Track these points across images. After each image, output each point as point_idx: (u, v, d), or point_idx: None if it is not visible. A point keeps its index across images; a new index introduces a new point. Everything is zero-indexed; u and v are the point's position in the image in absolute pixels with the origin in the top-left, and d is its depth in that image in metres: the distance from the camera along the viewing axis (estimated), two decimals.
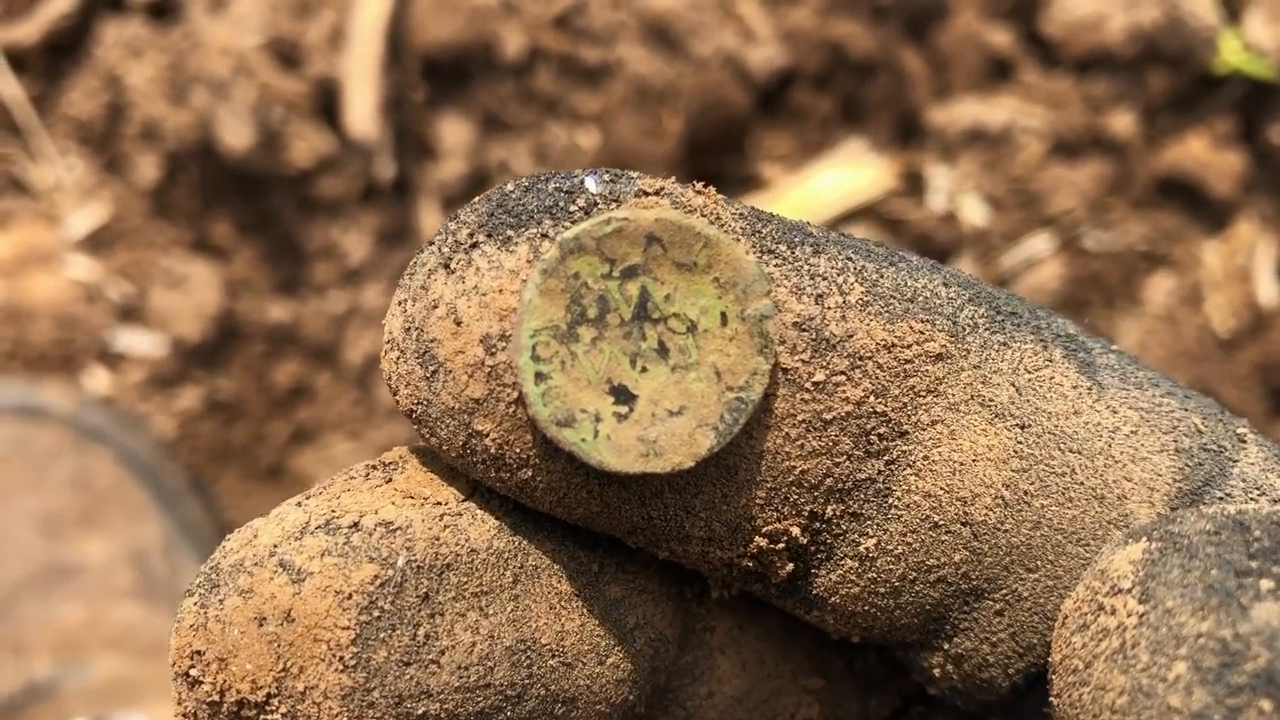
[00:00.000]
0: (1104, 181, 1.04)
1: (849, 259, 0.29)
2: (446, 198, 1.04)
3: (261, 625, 0.28)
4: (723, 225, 0.28)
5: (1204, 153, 1.03)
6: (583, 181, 0.28)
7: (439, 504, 0.29)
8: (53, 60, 1.04)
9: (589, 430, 0.27)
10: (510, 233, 0.28)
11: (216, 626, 0.28)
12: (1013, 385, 0.30)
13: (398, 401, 0.29)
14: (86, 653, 0.87)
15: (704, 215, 0.28)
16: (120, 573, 0.91)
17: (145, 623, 0.90)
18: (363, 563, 0.28)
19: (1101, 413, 0.30)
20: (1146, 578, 0.26)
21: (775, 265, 0.28)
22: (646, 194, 0.28)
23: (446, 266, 0.28)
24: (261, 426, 1.03)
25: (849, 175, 1.04)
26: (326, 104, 1.01)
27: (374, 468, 0.31)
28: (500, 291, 0.27)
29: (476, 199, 0.29)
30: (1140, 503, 0.30)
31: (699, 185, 0.29)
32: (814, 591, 0.30)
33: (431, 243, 0.29)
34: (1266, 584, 0.24)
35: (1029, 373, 0.30)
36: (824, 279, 0.29)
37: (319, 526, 0.28)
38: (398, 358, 0.29)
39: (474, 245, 0.28)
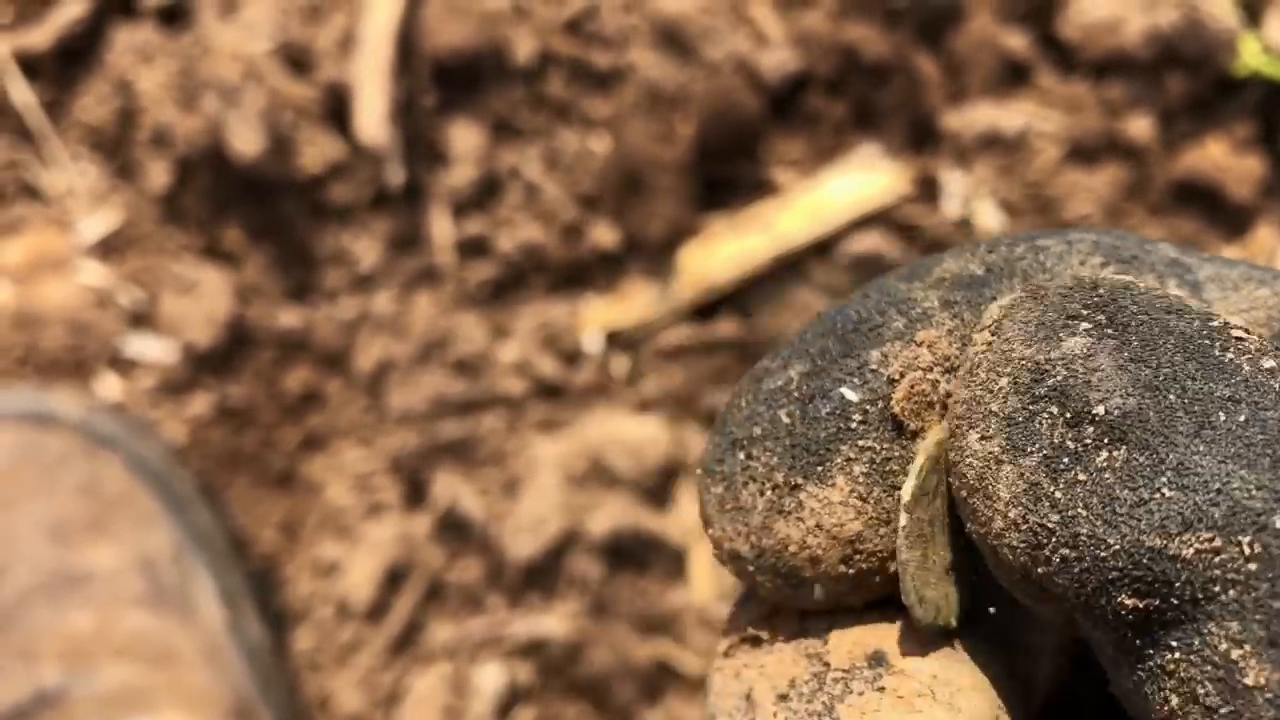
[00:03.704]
0: (1121, 186, 1.03)
1: (1012, 291, 0.35)
2: (457, 203, 1.03)
3: None
4: (949, 358, 0.34)
5: (1223, 157, 1.02)
6: (843, 396, 0.34)
7: (929, 690, 0.35)
8: (64, 66, 1.04)
9: (950, 612, 0.35)
10: (820, 468, 0.33)
11: None
12: None
13: (759, 590, 0.36)
14: (96, 660, 0.87)
15: (937, 365, 0.34)
16: (130, 580, 0.91)
17: (155, 630, 0.89)
18: None
19: None
20: (1003, 318, 0.32)
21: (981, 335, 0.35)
22: (894, 381, 0.34)
23: (781, 511, 0.34)
24: (272, 433, 1.02)
25: (862, 181, 1.04)
26: (337, 109, 1.01)
27: (846, 680, 0.35)
28: (842, 524, 0.34)
29: (756, 434, 0.34)
30: None
31: (918, 336, 0.34)
32: None
33: (745, 482, 0.35)
34: (1085, 325, 0.31)
35: None
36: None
37: None
38: (754, 571, 0.35)
39: (795, 487, 0.34)
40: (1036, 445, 0.30)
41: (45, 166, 1.04)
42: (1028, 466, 0.30)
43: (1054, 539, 0.30)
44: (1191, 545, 0.28)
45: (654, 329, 1.03)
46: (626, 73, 1.03)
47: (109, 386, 1.01)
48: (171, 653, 0.89)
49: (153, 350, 1.01)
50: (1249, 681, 0.28)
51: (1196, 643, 0.28)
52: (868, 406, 0.33)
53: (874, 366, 0.34)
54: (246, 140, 0.98)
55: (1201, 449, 0.29)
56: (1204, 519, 0.28)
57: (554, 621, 0.99)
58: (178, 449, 1.00)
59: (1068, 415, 0.30)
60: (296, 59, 1.01)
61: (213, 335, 1.00)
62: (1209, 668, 0.28)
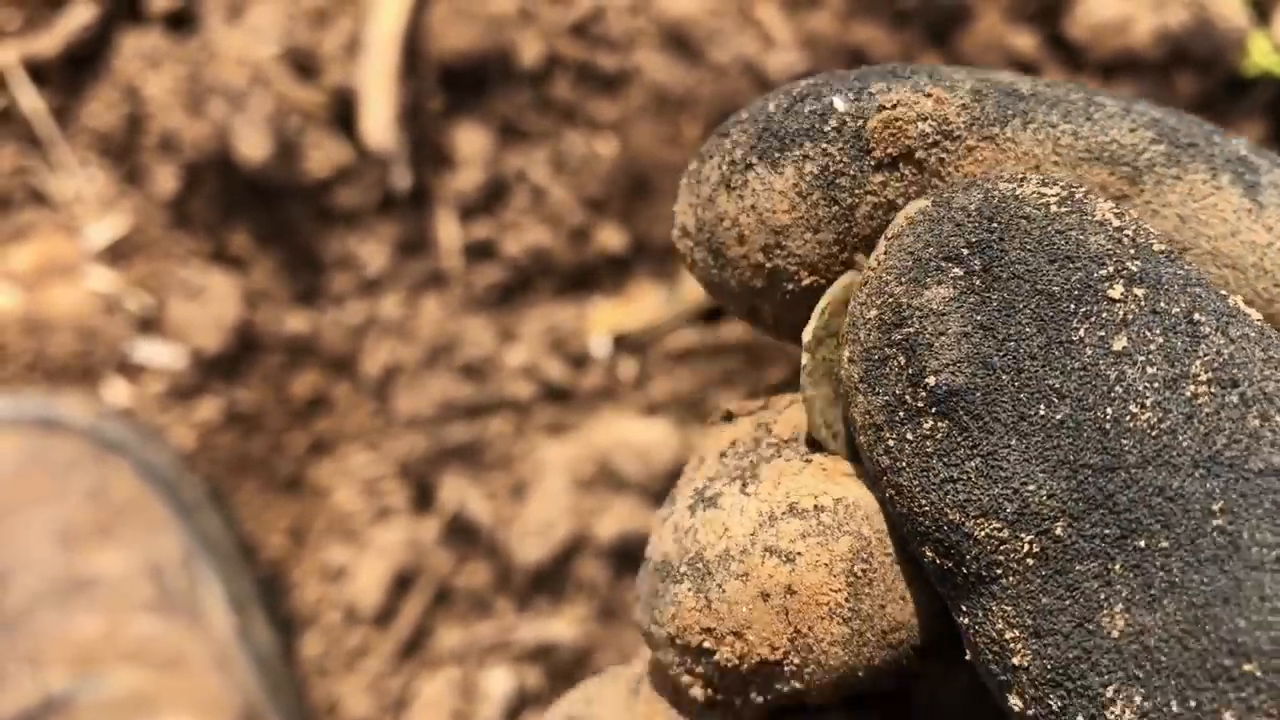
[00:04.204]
0: None
1: (1050, 126, 0.34)
2: (464, 207, 1.03)
3: (767, 600, 0.34)
4: (949, 127, 0.34)
5: None
6: (832, 102, 0.34)
7: (857, 475, 0.36)
8: (72, 72, 1.04)
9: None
10: (777, 155, 0.34)
11: (723, 606, 0.34)
12: (1179, 215, 0.35)
13: (693, 273, 0.37)
14: (103, 665, 0.87)
15: (933, 119, 0.33)
16: (138, 585, 0.91)
17: (163, 635, 0.89)
18: (839, 537, 0.34)
19: (1258, 231, 0.35)
20: (898, 234, 0.32)
21: (990, 150, 0.34)
22: (884, 109, 0.34)
23: (728, 185, 0.35)
24: (280, 438, 1.02)
25: None
26: (343, 114, 1.01)
27: (780, 447, 0.37)
28: (774, 211, 0.34)
29: (744, 118, 0.35)
30: None
31: (929, 87, 0.34)
32: None
33: (711, 156, 0.36)
34: (957, 271, 0.31)
35: (1196, 201, 0.35)
36: (1028, 155, 0.34)
37: (786, 512, 0.35)
38: (692, 246, 0.37)
39: (748, 166, 0.35)
40: (883, 388, 0.32)
41: (53, 172, 1.04)
42: (874, 406, 0.32)
43: (885, 478, 0.32)
44: (984, 529, 0.30)
45: (661, 332, 1.03)
46: (633, 75, 1.03)
47: (117, 392, 1.01)
48: (180, 658, 0.89)
49: (161, 355, 1.01)
50: (1016, 662, 0.30)
51: (980, 614, 0.31)
52: (848, 119, 0.34)
53: (873, 90, 0.34)
54: (253, 145, 0.98)
55: (1013, 443, 0.30)
56: (997, 511, 0.30)
57: (562, 626, 0.99)
58: (186, 454, 1.00)
59: (910, 372, 0.31)
60: (303, 63, 1.01)
61: (221, 340, 1.00)
62: (987, 640, 0.31)
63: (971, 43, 1.03)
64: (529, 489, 1.00)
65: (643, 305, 1.03)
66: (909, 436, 0.31)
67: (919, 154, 0.34)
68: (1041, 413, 0.29)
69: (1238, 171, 0.35)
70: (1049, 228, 0.31)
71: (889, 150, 0.34)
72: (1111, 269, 0.30)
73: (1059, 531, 0.29)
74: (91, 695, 0.85)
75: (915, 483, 0.31)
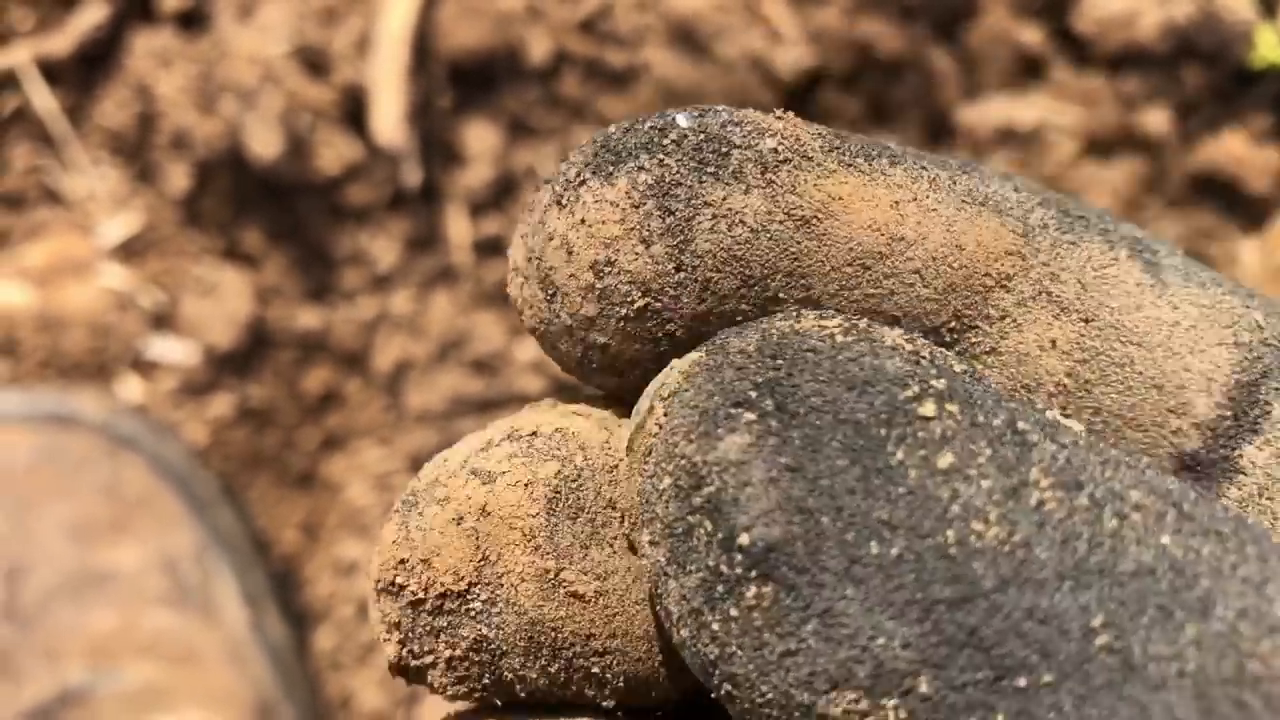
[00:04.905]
0: (1138, 180, 1.03)
1: (924, 168, 0.32)
2: (474, 203, 1.04)
3: (460, 523, 0.31)
4: (803, 147, 0.31)
5: (1240, 149, 1.02)
6: (675, 119, 0.32)
7: (601, 417, 0.34)
8: (85, 71, 1.05)
9: None
10: (611, 168, 0.31)
11: (418, 534, 0.32)
12: (1079, 282, 0.32)
13: (524, 321, 0.34)
14: (119, 659, 0.87)
15: (783, 139, 0.31)
16: (152, 580, 0.91)
17: (177, 629, 0.90)
18: (546, 460, 0.32)
19: (1163, 308, 0.32)
20: (678, 390, 0.29)
21: (853, 176, 0.31)
22: (729, 125, 0.31)
23: (559, 203, 0.32)
24: (292, 433, 1.03)
25: None
26: (354, 111, 1.02)
27: (536, 402, 0.35)
28: (604, 222, 0.31)
29: (584, 142, 0.33)
30: (1198, 392, 0.32)
31: (779, 111, 0.32)
32: None
33: (547, 182, 0.33)
34: (749, 416, 0.27)
35: (1095, 270, 0.32)
36: (900, 187, 0.31)
37: (503, 438, 0.33)
38: (522, 284, 0.33)
39: (581, 182, 0.32)
40: (695, 564, 0.27)
41: (66, 171, 1.05)
42: (689, 588, 0.27)
43: (717, 672, 0.27)
44: (839, 705, 0.26)
45: None
46: (641, 71, 1.03)
47: (131, 388, 1.02)
48: (194, 652, 0.90)
49: (174, 352, 1.02)
50: None
51: None
52: (689, 134, 0.31)
53: (721, 109, 0.32)
54: (265, 142, 0.98)
55: (849, 592, 0.26)
56: (850, 678, 0.26)
57: None
58: (199, 450, 1.01)
59: (720, 536, 0.27)
60: (313, 61, 1.02)
61: (233, 337, 1.01)
62: None
63: (979, 36, 1.04)
64: None
65: None
66: (733, 613, 0.27)
67: (768, 171, 0.31)
68: (874, 551, 0.26)
69: (1135, 248, 0.32)
70: (839, 356, 0.28)
71: (729, 161, 0.31)
72: (917, 389, 0.27)
73: (924, 689, 0.25)
74: (108, 688, 0.86)
75: (752, 666, 0.26)
